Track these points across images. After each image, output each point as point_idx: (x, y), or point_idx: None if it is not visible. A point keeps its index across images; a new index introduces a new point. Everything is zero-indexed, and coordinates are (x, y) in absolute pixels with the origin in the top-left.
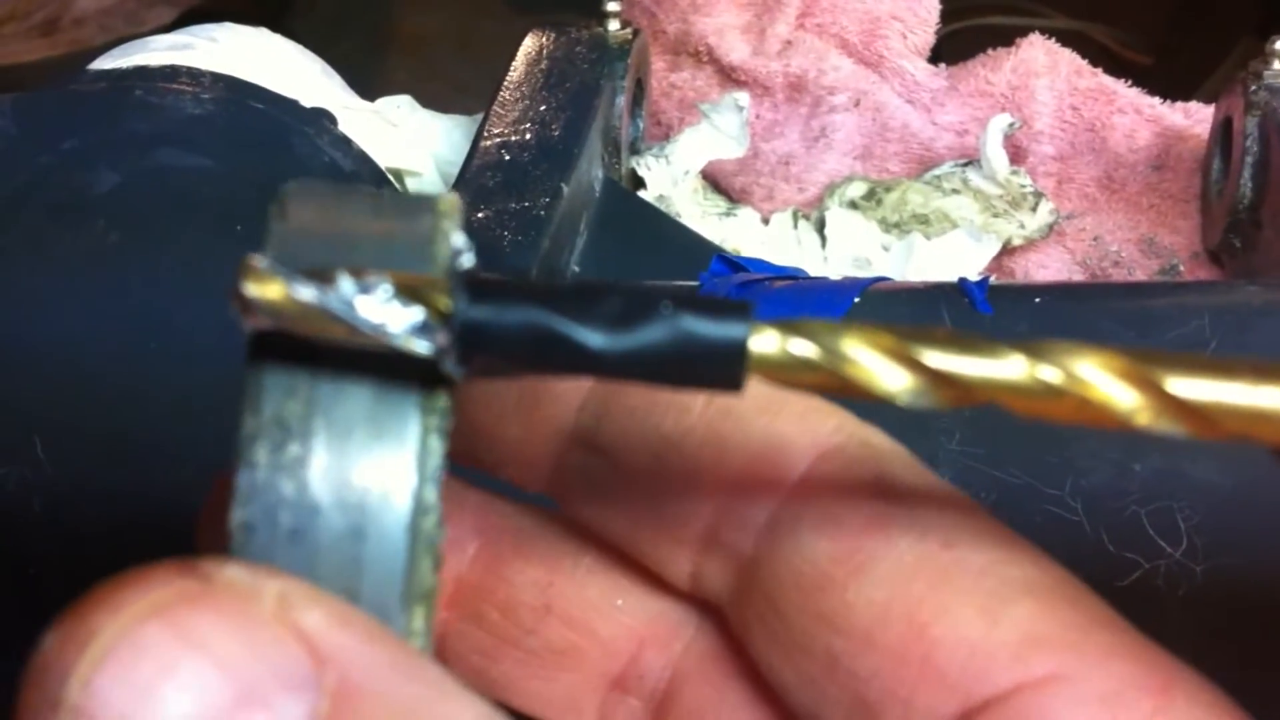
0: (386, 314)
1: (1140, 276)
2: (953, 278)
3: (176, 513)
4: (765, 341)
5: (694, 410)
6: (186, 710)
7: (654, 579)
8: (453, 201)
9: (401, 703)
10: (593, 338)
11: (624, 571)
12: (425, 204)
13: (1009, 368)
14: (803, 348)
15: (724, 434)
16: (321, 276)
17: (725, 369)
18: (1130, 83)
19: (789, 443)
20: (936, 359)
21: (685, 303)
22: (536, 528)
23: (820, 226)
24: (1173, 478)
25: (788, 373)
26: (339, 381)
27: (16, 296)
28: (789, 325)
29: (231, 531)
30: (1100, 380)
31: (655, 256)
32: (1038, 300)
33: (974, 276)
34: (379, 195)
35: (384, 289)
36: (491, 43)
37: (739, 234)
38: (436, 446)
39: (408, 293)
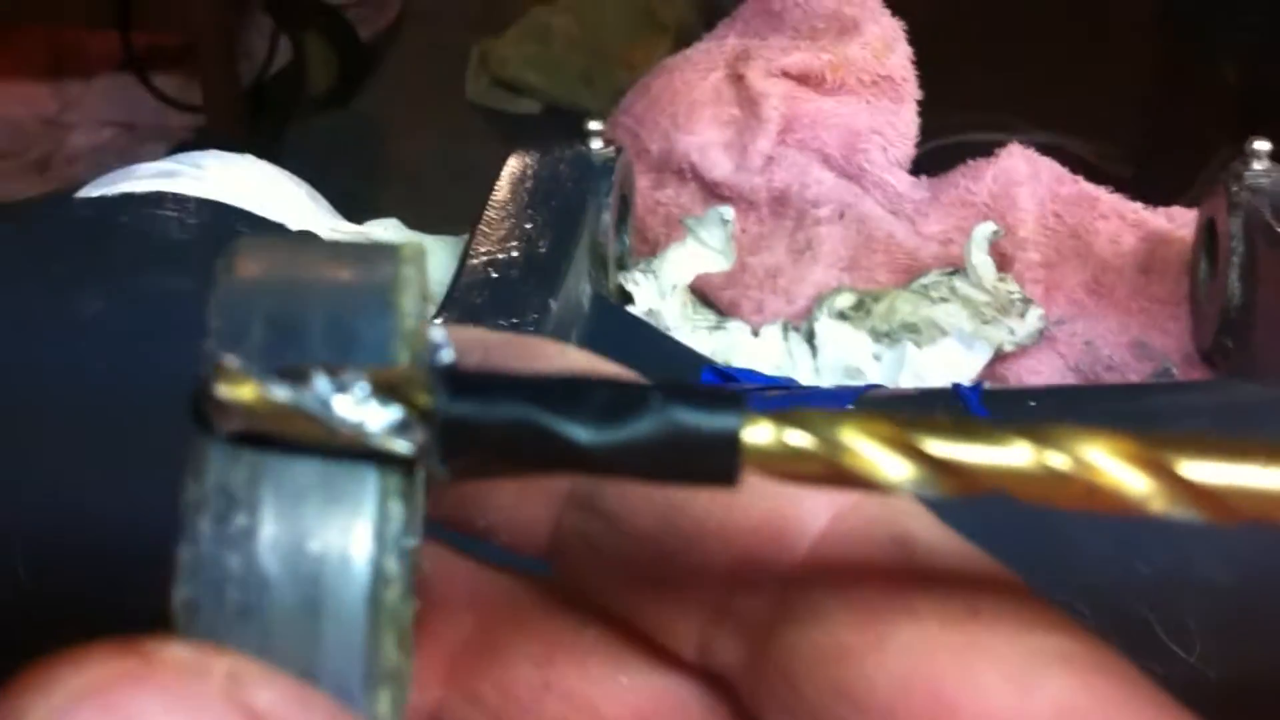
0: (364, 413)
1: (1134, 379)
2: (944, 385)
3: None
4: (759, 433)
5: None
6: None
7: (659, 652)
8: (417, 247)
9: None
10: (580, 432)
11: (627, 644)
12: (386, 251)
13: (1015, 455)
14: (799, 438)
15: (733, 499)
16: (295, 374)
17: (719, 462)
18: (1112, 189)
19: (802, 502)
20: (939, 447)
21: (676, 393)
22: (535, 599)
23: (810, 337)
24: (1180, 576)
25: (784, 465)
26: (288, 446)
27: (11, 414)
28: (784, 415)
29: (175, 611)
30: (1110, 465)
31: (646, 371)
32: (1033, 404)
33: (968, 383)
34: (336, 244)
35: (361, 386)
36: (480, 169)
37: (729, 347)
38: (398, 511)
39: (386, 390)
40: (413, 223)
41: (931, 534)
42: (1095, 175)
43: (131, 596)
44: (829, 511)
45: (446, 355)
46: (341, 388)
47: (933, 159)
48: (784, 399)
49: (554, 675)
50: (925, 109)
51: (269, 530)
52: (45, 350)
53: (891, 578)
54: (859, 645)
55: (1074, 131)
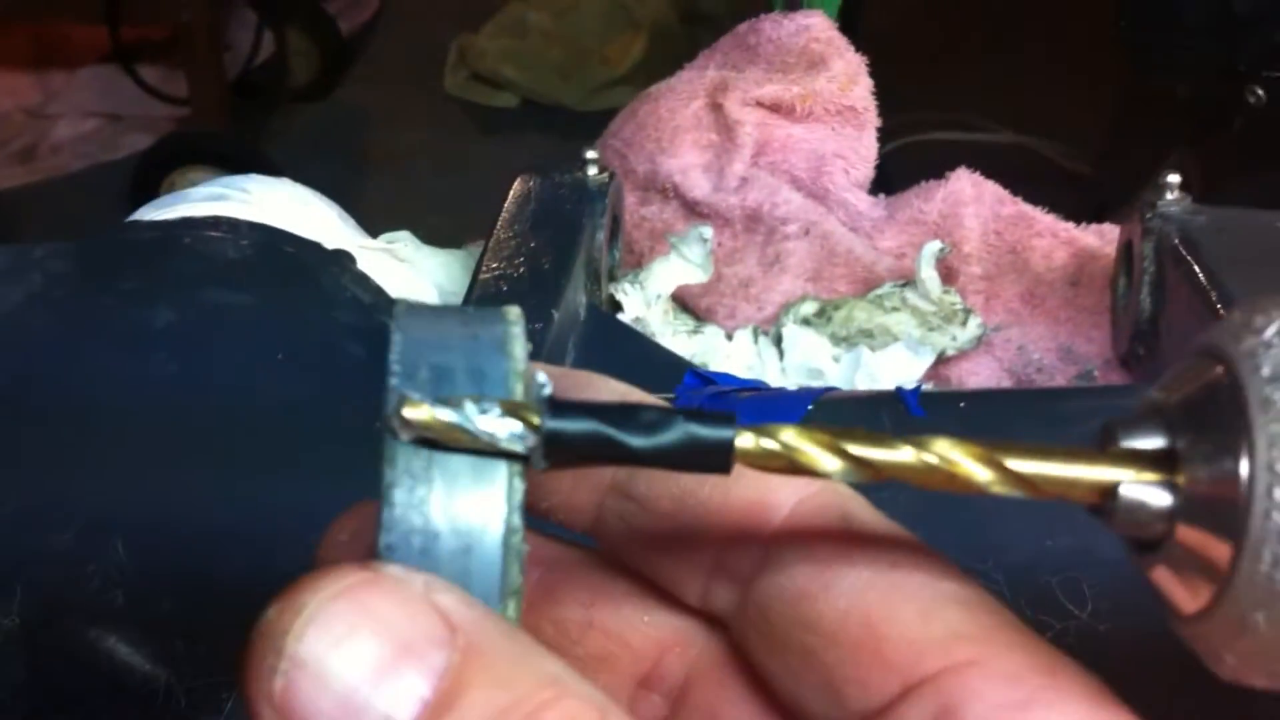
0: (496, 426)
1: (1060, 381)
2: (894, 385)
3: (240, 592)
4: (745, 440)
5: None
6: (363, 655)
7: (672, 600)
8: (517, 312)
9: (508, 655)
10: (633, 440)
11: (649, 594)
12: (498, 315)
13: (903, 454)
14: (769, 444)
15: (728, 486)
16: (453, 401)
17: (719, 459)
18: (1047, 209)
19: (778, 491)
20: (857, 449)
21: (692, 416)
22: (581, 560)
23: (778, 341)
24: (1080, 552)
25: (760, 460)
26: (447, 447)
27: (94, 419)
28: (759, 429)
29: (379, 552)
30: (964, 461)
31: (634, 372)
32: (963, 405)
33: (912, 384)
34: (465, 310)
35: (496, 410)
36: (462, 161)
37: (706, 349)
38: (519, 487)
39: (510, 411)
40: (400, 215)
41: (868, 514)
42: (1057, 173)
43: (209, 565)
44: (795, 497)
45: (546, 389)
46: (483, 411)
47: (903, 157)
48: (755, 402)
49: (595, 615)
50: (897, 107)
51: (438, 498)
52: (122, 357)
53: (838, 543)
54: (813, 588)
55: (1037, 132)
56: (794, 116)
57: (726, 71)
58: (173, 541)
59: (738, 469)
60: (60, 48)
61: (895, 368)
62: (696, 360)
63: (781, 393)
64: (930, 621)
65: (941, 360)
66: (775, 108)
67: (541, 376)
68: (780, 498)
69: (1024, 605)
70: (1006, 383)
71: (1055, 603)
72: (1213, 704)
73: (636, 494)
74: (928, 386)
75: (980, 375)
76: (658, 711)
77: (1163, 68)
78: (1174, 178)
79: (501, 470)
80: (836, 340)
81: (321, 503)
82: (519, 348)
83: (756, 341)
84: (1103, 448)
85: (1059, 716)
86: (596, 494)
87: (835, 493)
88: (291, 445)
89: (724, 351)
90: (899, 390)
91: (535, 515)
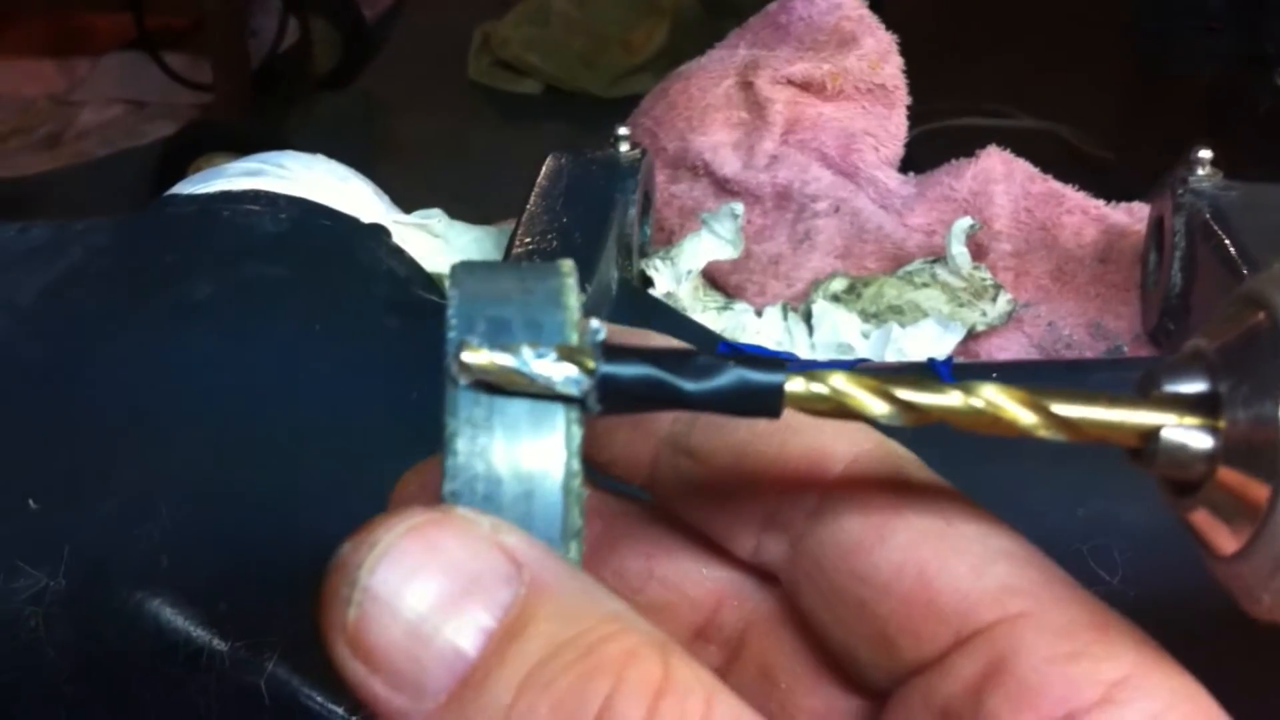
0: (552, 370)
1: (1089, 357)
2: (923, 359)
3: (282, 555)
4: (795, 384)
5: (761, 422)
6: (431, 589)
7: (727, 554)
8: (570, 265)
9: (572, 592)
10: (687, 384)
11: (705, 548)
12: (553, 269)
13: (950, 399)
14: (818, 388)
15: (784, 440)
16: (510, 347)
17: (770, 403)
18: (1078, 187)
19: (833, 447)
20: (904, 394)
21: (743, 361)
22: (640, 514)
23: (807, 317)
24: (1110, 519)
25: (809, 404)
26: (507, 394)
27: (136, 388)
28: (809, 374)
29: (444, 499)
30: (1010, 406)
31: None
32: (994, 376)
33: (942, 359)
34: (520, 266)
35: (552, 355)
36: (485, 148)
37: (735, 326)
38: (577, 433)
39: (565, 356)
40: (416, 197)
41: (922, 473)
42: (1078, 159)
43: (250, 531)
44: (850, 453)
45: (600, 334)
46: (540, 355)
47: (928, 142)
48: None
49: (655, 566)
50: (922, 94)
51: (500, 446)
52: (162, 330)
53: (891, 497)
54: (867, 541)
55: (1059, 118)
56: (824, 94)
57: (757, 50)
58: (215, 508)
59: (793, 422)
60: (85, 35)
61: (925, 344)
62: (726, 336)
63: (813, 364)
64: (982, 575)
65: (971, 336)
66: (805, 86)
67: (595, 323)
68: (835, 453)
69: None
70: (1036, 358)
71: (1086, 569)
72: (1243, 668)
73: (692, 447)
74: (958, 360)
75: (1010, 351)
76: (714, 661)
77: (1184, 54)
78: (1205, 153)
79: (560, 417)
80: (866, 317)
81: (358, 470)
82: (573, 299)
83: (786, 318)
84: (1144, 393)
85: (1110, 669)
86: (652, 447)
87: (889, 451)
88: (329, 414)
89: (753, 328)
90: (931, 361)
91: (593, 468)
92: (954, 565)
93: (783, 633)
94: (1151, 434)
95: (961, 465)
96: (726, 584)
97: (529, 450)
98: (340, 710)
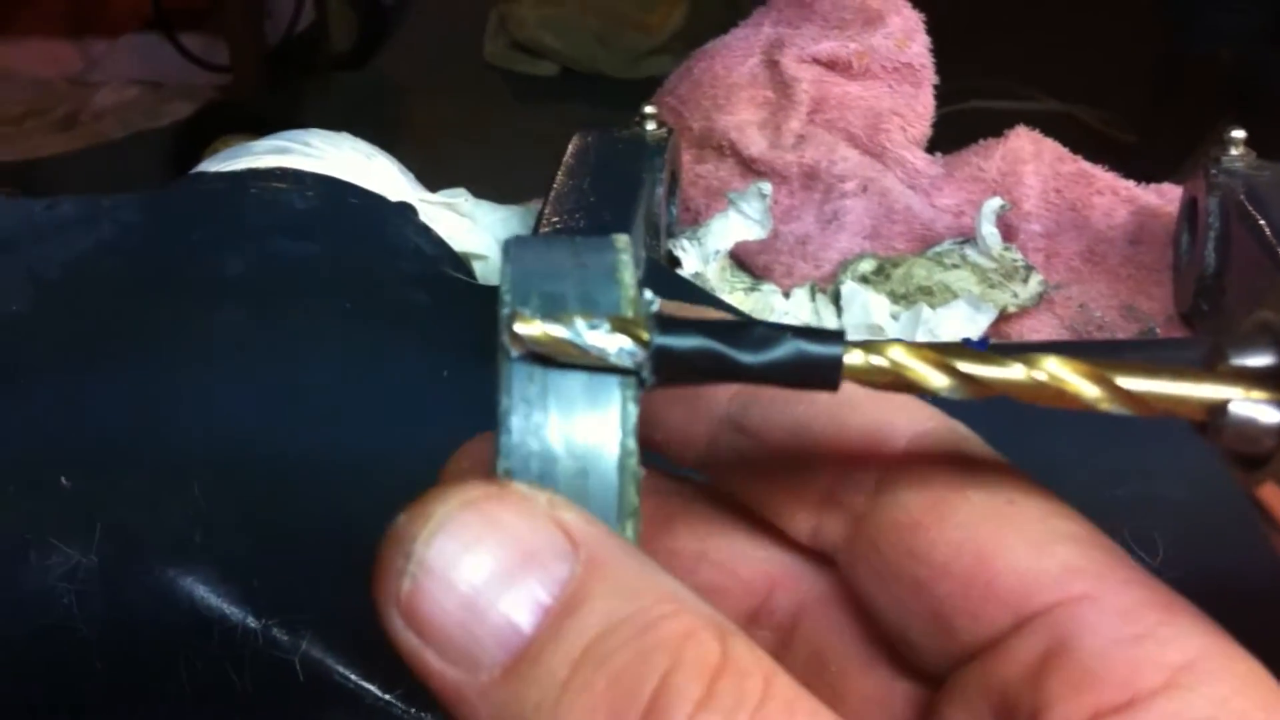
0: (606, 342)
1: (1121, 338)
2: (958, 340)
3: (312, 531)
4: (854, 357)
5: (821, 398)
6: (487, 562)
7: (782, 537)
8: (625, 240)
9: (629, 570)
10: (744, 356)
11: (760, 530)
12: (607, 243)
13: (1013, 371)
14: (878, 360)
15: (844, 417)
16: (561, 319)
17: (828, 375)
18: (1107, 167)
19: (894, 424)
20: (965, 366)
21: (799, 332)
22: (693, 495)
23: (835, 299)
24: (1149, 499)
25: (868, 377)
26: (561, 370)
27: (168, 363)
28: (867, 345)
29: (499, 476)
30: (1073, 378)
31: None
32: None
33: (975, 339)
34: (574, 240)
35: (605, 326)
36: (497, 131)
37: (763, 307)
38: (632, 410)
39: (619, 328)
40: (432, 179)
41: (984, 451)
42: (1101, 142)
43: (283, 506)
44: (911, 431)
45: (654, 306)
46: (593, 327)
47: (950, 124)
48: None
49: (708, 547)
50: (944, 76)
51: (555, 423)
52: (193, 306)
53: (952, 476)
54: (927, 520)
55: (1080, 100)
56: (850, 73)
57: (782, 28)
58: (247, 484)
59: (853, 398)
60: (101, 15)
61: (956, 325)
62: (753, 317)
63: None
64: (1044, 556)
65: (1002, 317)
66: (832, 65)
67: (649, 294)
68: (896, 430)
69: None
70: (1068, 339)
71: (1126, 551)
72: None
73: (750, 424)
74: (993, 340)
75: (1041, 333)
76: (767, 645)
77: (1206, 34)
78: (1238, 133)
79: (615, 394)
80: (895, 298)
81: (389, 446)
82: (628, 274)
83: (814, 299)
84: (1210, 366)
85: (1175, 652)
86: (709, 426)
87: (951, 428)
88: (358, 391)
89: (781, 309)
90: (966, 341)
91: (648, 448)
92: (1015, 545)
93: (835, 616)
94: (1219, 408)
95: (998, 444)
96: (779, 567)
97: (584, 428)
98: (374, 688)
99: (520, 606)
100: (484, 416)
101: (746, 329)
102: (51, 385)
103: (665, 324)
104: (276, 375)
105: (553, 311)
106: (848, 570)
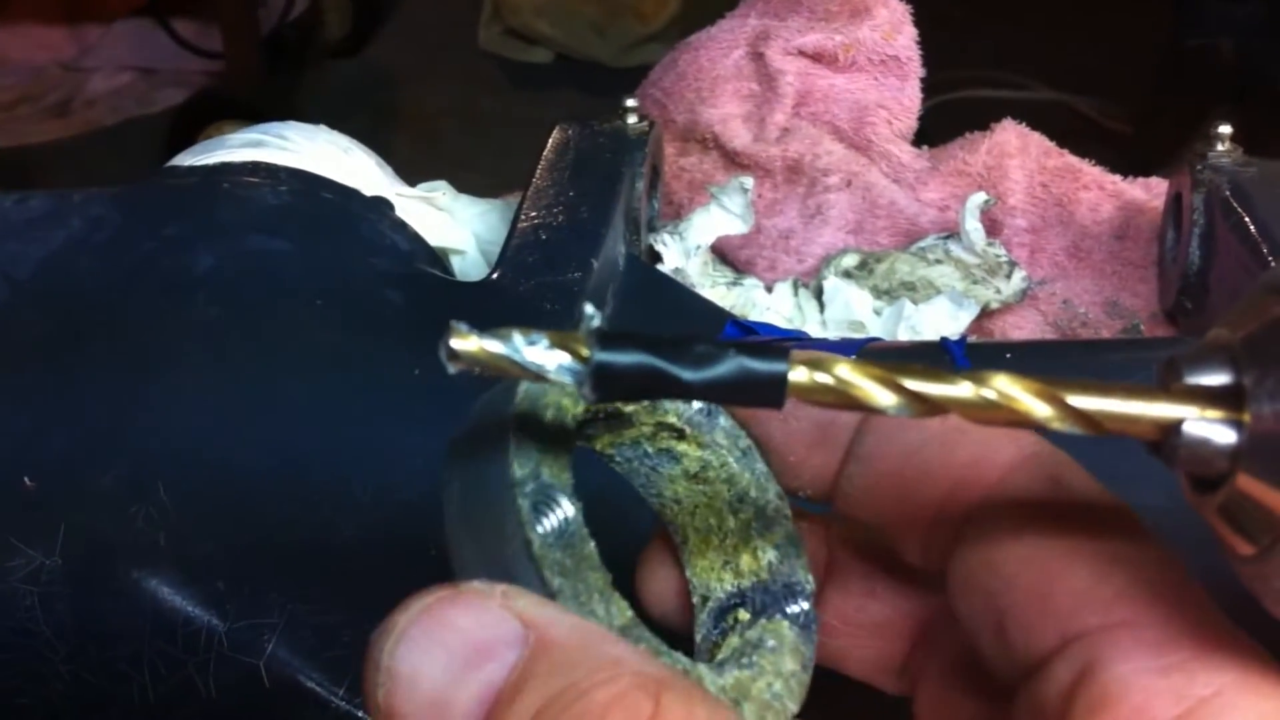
0: (544, 358)
1: (1105, 335)
2: (937, 338)
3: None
4: (798, 374)
5: (931, 427)
6: (447, 660)
7: (903, 576)
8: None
9: (571, 645)
10: (684, 373)
11: (876, 575)
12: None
13: (961, 390)
14: (823, 378)
15: (953, 443)
16: (501, 334)
17: (772, 393)
18: (1094, 162)
19: (998, 450)
20: (913, 384)
21: (744, 348)
22: (858, 540)
23: (818, 294)
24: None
25: (814, 395)
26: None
27: (136, 363)
28: (813, 363)
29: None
30: (1023, 397)
31: (673, 323)
32: (1009, 356)
33: (955, 337)
34: None
35: (544, 342)
36: (492, 118)
37: (745, 301)
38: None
39: (559, 344)
40: (426, 167)
41: (1080, 478)
42: (1097, 131)
43: (250, 509)
44: (1015, 456)
45: (596, 321)
46: (531, 343)
47: (944, 113)
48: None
49: (877, 586)
50: (933, 64)
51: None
52: (163, 302)
53: (1041, 496)
54: (1004, 535)
55: (1076, 89)
56: (836, 66)
57: (768, 20)
58: (213, 485)
59: (962, 424)
60: (96, 2)
61: (938, 321)
62: (735, 313)
63: (824, 343)
64: (1102, 579)
65: (985, 314)
66: (817, 57)
67: (590, 309)
68: (1000, 455)
69: None
70: (1051, 336)
71: None
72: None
73: (866, 452)
74: (972, 339)
75: (1024, 329)
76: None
77: (1206, 24)
78: (1225, 129)
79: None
80: (878, 293)
81: (360, 446)
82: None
83: (796, 294)
84: (1165, 384)
85: (1203, 684)
86: (835, 457)
87: (1053, 454)
88: (330, 390)
89: (763, 304)
90: (944, 341)
91: (789, 492)
92: (1077, 567)
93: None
94: (1173, 427)
95: None
96: (908, 612)
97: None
98: (340, 691)
99: (475, 695)
100: (456, 416)
101: (689, 346)
102: (18, 384)
103: (605, 340)
104: (246, 375)
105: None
106: (948, 589)
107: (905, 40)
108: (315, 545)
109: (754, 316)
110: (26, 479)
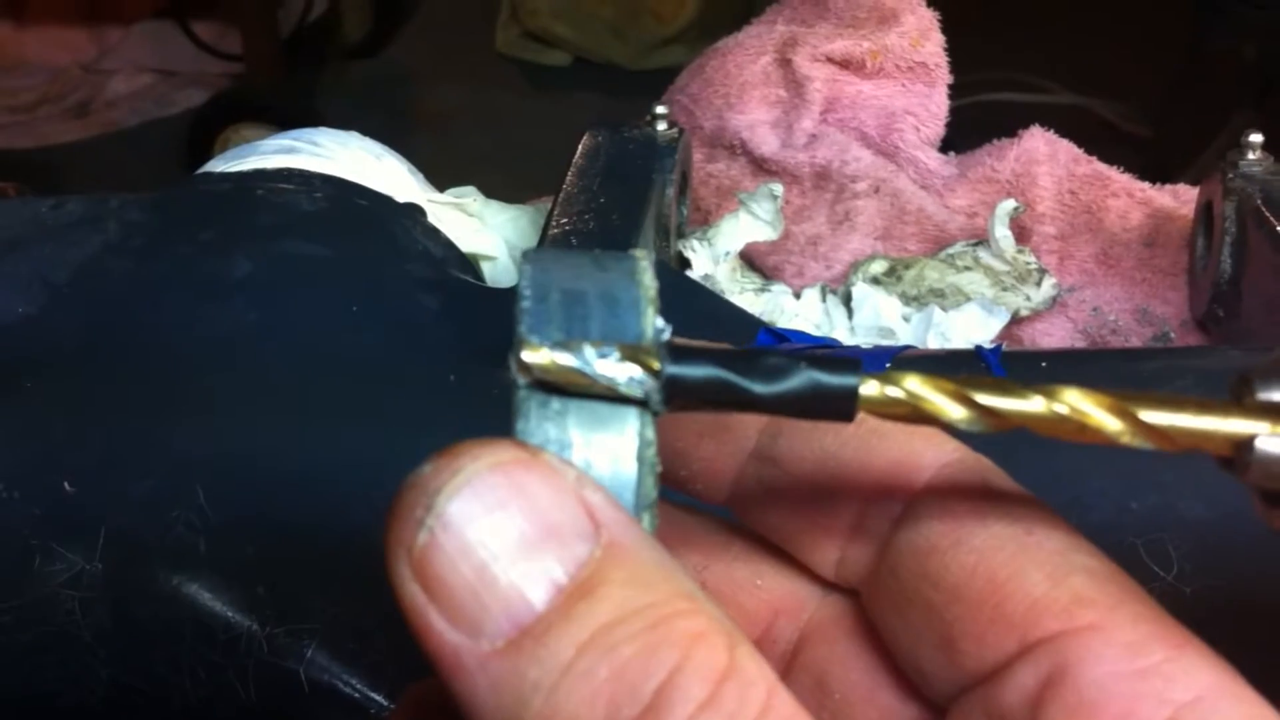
0: (615, 371)
1: (1135, 343)
2: (968, 346)
3: (311, 538)
4: (869, 387)
5: (849, 429)
6: (509, 529)
7: (786, 563)
8: (644, 252)
9: (649, 561)
10: (755, 386)
11: (762, 558)
12: (626, 254)
13: (1033, 404)
14: (894, 391)
15: (871, 448)
16: (569, 346)
17: (843, 406)
18: (1122, 169)
19: (921, 455)
20: (984, 398)
21: (814, 361)
22: (695, 523)
23: (847, 300)
24: (1165, 513)
25: (885, 408)
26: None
27: (175, 367)
28: (883, 376)
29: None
30: (1095, 412)
31: (703, 329)
32: (1044, 365)
33: (987, 345)
34: (594, 251)
35: (615, 355)
36: (513, 119)
37: (773, 308)
38: (650, 423)
39: (629, 356)
40: (444, 171)
41: (1008, 484)
42: (1116, 135)
43: (289, 513)
44: (938, 462)
45: (666, 333)
46: (603, 355)
47: (965, 117)
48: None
49: (709, 577)
50: (961, 69)
51: (573, 412)
52: (200, 308)
53: (974, 505)
54: (943, 544)
55: (1096, 93)
56: (864, 73)
57: (795, 26)
58: (252, 490)
59: (880, 428)
60: (116, 3)
61: (968, 328)
62: (763, 319)
63: (857, 350)
64: (1057, 585)
65: (1015, 321)
66: (845, 64)
67: (661, 322)
68: (923, 461)
69: None
70: (1081, 344)
71: (1140, 564)
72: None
73: (778, 455)
74: (1004, 347)
75: (1054, 336)
76: None
77: (1227, 29)
78: (1256, 137)
79: (632, 415)
80: (907, 300)
81: (396, 452)
82: (649, 277)
83: (825, 300)
84: (1238, 399)
85: (1182, 689)
86: (738, 460)
87: (977, 460)
88: (367, 396)
89: (791, 310)
90: (979, 349)
91: (672, 486)
92: (1028, 573)
93: (840, 643)
94: (1245, 444)
95: (1010, 455)
96: (782, 595)
97: (601, 419)
98: (379, 698)
99: (534, 580)
100: (491, 421)
101: (759, 358)
102: (57, 389)
103: (676, 353)
104: (283, 380)
105: (573, 310)
106: (867, 599)
107: (933, 47)
108: (352, 550)
109: (782, 323)
110: (66, 484)
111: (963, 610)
